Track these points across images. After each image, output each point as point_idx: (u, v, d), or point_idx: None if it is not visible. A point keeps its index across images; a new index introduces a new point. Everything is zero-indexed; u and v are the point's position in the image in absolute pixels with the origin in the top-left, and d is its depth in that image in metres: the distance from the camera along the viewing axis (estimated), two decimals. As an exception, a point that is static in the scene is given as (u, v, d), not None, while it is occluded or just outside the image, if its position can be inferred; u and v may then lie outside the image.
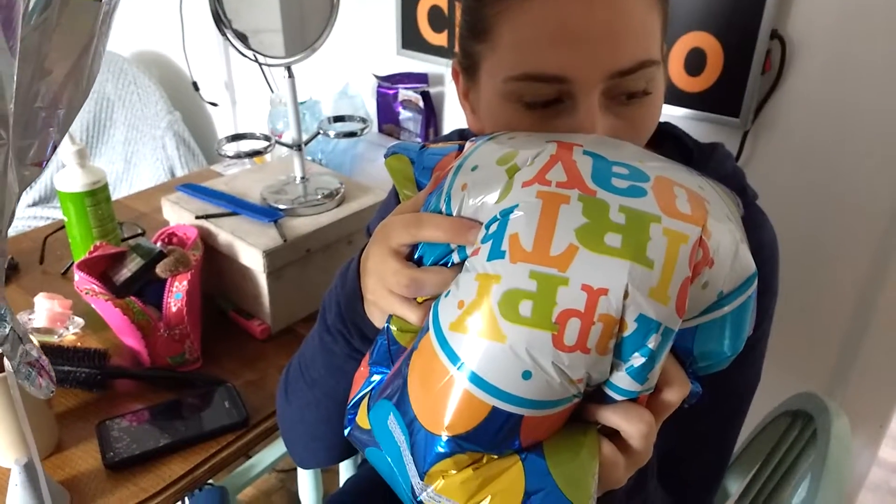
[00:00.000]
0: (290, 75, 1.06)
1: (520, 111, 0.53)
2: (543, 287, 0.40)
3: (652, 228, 0.40)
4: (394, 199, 0.78)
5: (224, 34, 0.97)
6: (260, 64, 1.02)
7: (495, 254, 0.42)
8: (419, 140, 1.49)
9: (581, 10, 0.49)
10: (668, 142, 0.67)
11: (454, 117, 1.48)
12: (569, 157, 0.44)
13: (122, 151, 2.01)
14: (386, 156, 0.57)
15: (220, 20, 0.96)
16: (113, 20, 0.43)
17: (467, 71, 0.59)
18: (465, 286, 0.43)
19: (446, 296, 0.44)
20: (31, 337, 0.57)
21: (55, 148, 0.39)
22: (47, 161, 0.38)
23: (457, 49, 0.61)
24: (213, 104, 1.96)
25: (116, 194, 2.05)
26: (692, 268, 0.41)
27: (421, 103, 1.47)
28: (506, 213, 0.43)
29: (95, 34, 0.40)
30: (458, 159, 0.49)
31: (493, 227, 0.43)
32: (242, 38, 1.00)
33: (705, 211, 0.43)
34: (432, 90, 1.47)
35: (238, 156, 1.03)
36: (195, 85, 1.88)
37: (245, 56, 1.00)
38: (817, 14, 0.96)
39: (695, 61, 1.06)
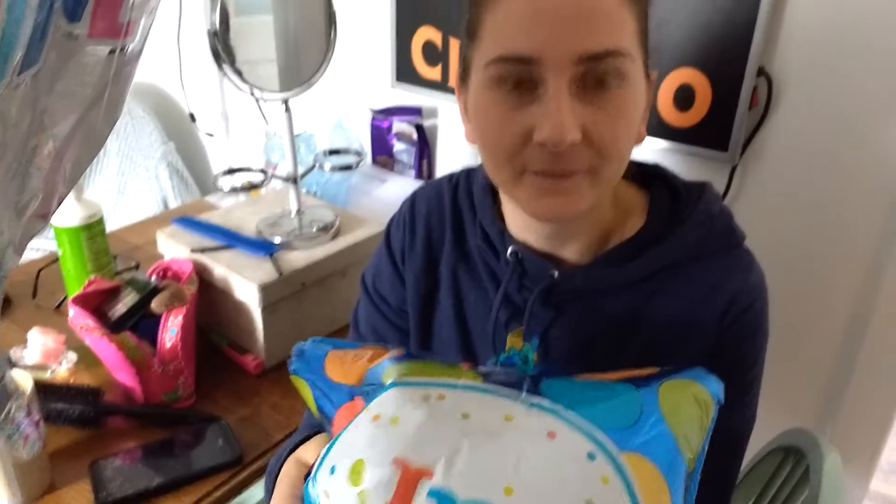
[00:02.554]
0: (287, 109, 1.07)
1: (498, 99, 0.56)
2: None
3: None
4: (385, 251, 0.79)
5: (223, 69, 0.98)
6: (256, 98, 1.04)
7: None
8: (413, 172, 1.51)
9: None
10: (656, 183, 0.68)
11: (448, 149, 1.50)
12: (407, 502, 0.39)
13: (115, 182, 2.01)
14: (290, 371, 0.56)
15: (219, 56, 0.97)
16: (135, 70, 0.43)
17: (463, 79, 0.62)
18: None
19: None
20: (23, 386, 0.56)
21: (61, 200, 0.39)
22: (53, 213, 0.39)
23: (458, 66, 0.64)
24: (210, 135, 1.97)
25: (109, 225, 2.04)
26: None
27: (415, 136, 1.49)
28: None
29: (108, 85, 0.40)
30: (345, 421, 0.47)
31: None
32: (239, 72, 1.01)
33: None
34: (426, 123, 1.49)
35: (234, 190, 1.04)
36: (192, 116, 1.89)
37: (242, 91, 1.01)
38: (801, 52, 0.98)
39: (684, 97, 1.08)
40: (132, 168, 2.00)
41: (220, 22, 0.94)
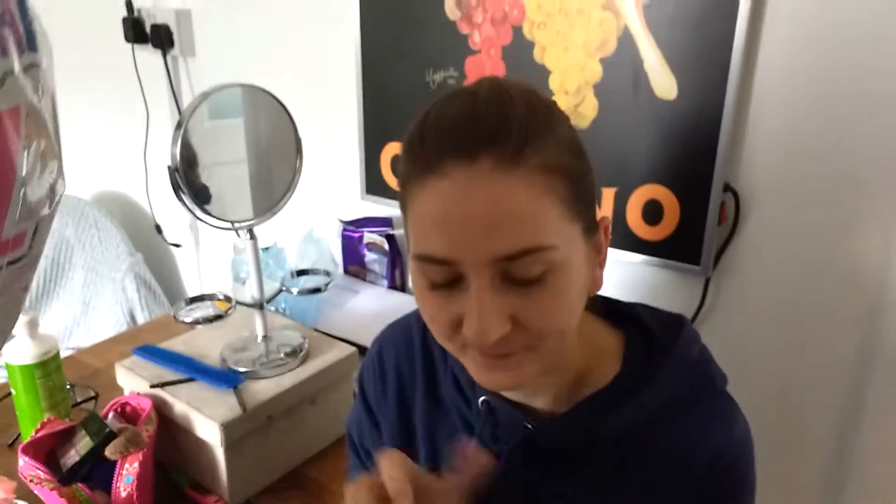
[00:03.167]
0: (252, 237, 1.05)
1: (427, 289, 0.55)
2: None
3: None
4: (361, 402, 0.77)
5: (182, 201, 0.96)
6: (225, 228, 1.01)
7: None
8: (386, 282, 1.48)
9: (462, 200, 0.51)
10: (628, 323, 0.66)
11: (419, 259, 1.48)
12: None
13: (80, 295, 1.96)
14: None
15: (179, 188, 0.95)
16: (31, 275, 0.40)
17: (406, 243, 0.61)
18: None
19: None
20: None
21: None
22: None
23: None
24: (176, 245, 1.94)
25: (73, 340, 1.99)
26: None
27: (386, 246, 1.47)
28: None
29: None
30: None
31: None
32: (199, 203, 0.99)
33: None
34: (396, 233, 1.48)
35: (197, 322, 1.00)
36: (158, 228, 1.87)
37: (203, 221, 0.99)
38: (766, 165, 0.99)
39: (652, 211, 1.08)
40: (98, 280, 1.95)
41: (182, 157, 0.92)
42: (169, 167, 0.92)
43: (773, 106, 0.97)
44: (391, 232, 1.47)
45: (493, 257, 0.51)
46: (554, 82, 1.13)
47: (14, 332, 0.99)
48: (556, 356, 0.58)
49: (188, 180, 0.94)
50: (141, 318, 1.91)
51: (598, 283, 0.60)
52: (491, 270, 0.51)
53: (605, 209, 1.11)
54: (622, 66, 1.06)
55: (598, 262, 0.59)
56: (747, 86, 0.98)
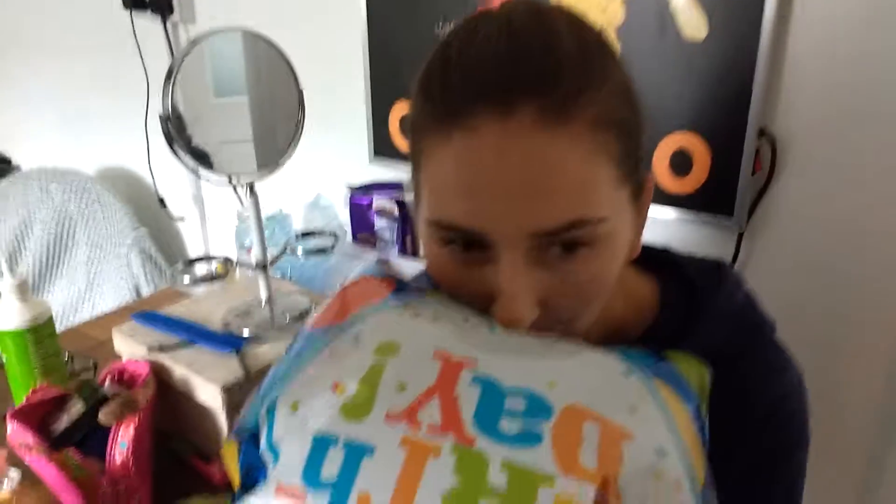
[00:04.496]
0: (253, 193, 0.99)
1: (445, 256, 0.47)
2: None
3: (540, 495, 0.32)
4: None
5: (177, 155, 0.90)
6: (222, 183, 0.96)
7: None
8: (396, 249, 1.42)
9: (495, 161, 0.41)
10: (666, 270, 0.60)
11: (431, 225, 1.42)
12: (450, 391, 0.36)
13: (84, 272, 1.91)
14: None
15: (174, 143, 0.89)
16: None
17: (416, 199, 0.52)
18: None
19: None
20: None
21: None
22: None
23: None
24: (180, 219, 1.89)
25: (78, 315, 1.95)
26: None
27: (396, 212, 1.41)
28: (355, 454, 0.33)
29: None
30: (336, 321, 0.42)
31: (334, 468, 0.33)
32: (202, 155, 0.93)
33: (618, 458, 0.34)
34: (407, 198, 1.41)
35: (195, 282, 0.95)
36: (161, 201, 1.82)
37: (200, 177, 0.93)
38: (806, 108, 0.92)
39: (680, 162, 1.01)
40: (102, 256, 1.91)
41: (175, 109, 0.86)
42: (160, 116, 0.86)
43: (814, 44, 0.89)
44: (401, 197, 1.41)
45: (531, 231, 0.43)
46: (573, 27, 1.06)
47: (3, 296, 0.94)
48: (590, 319, 0.52)
49: (183, 134, 0.88)
50: (147, 294, 1.86)
51: (637, 249, 0.53)
52: (527, 244, 0.43)
53: (629, 161, 1.04)
54: (646, 6, 0.98)
55: (640, 225, 0.52)
56: (784, 22, 0.90)
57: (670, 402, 0.40)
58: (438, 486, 0.32)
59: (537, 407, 0.35)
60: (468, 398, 0.36)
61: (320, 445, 0.35)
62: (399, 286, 0.48)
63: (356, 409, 0.36)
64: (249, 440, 0.40)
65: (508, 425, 0.34)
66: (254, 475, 0.39)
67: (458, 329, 0.42)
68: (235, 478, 0.42)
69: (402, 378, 0.37)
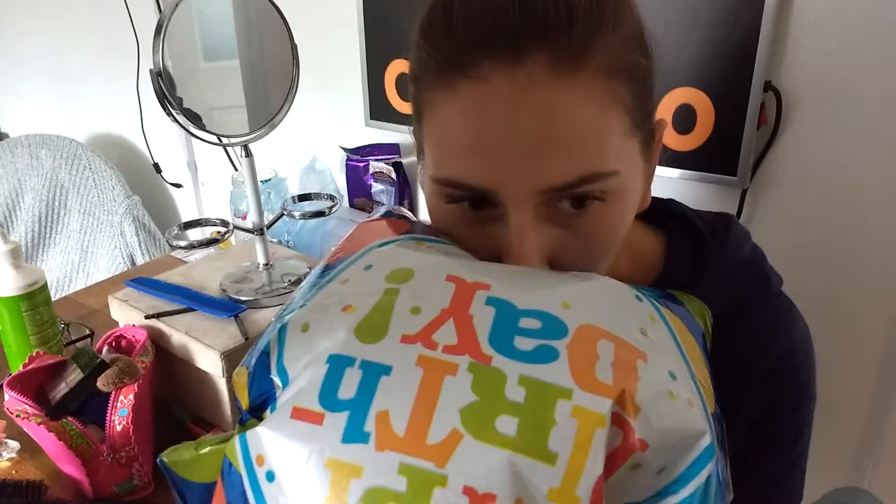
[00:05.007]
0: (248, 154, 0.96)
1: (452, 213, 0.45)
2: (416, 486, 0.30)
3: (558, 408, 0.32)
4: None
5: (170, 114, 0.88)
6: (214, 143, 0.93)
7: (355, 435, 0.32)
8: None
9: (504, 114, 0.39)
10: (672, 223, 0.58)
11: (429, 188, 1.40)
12: (464, 312, 0.36)
13: (77, 241, 1.89)
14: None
15: (166, 99, 0.87)
16: None
17: (418, 154, 0.50)
18: (312, 477, 0.32)
19: (271, 480, 0.34)
20: None
21: None
22: None
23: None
24: (177, 185, 1.86)
25: (72, 287, 1.93)
26: (608, 459, 0.32)
27: (394, 175, 1.39)
28: (373, 373, 0.33)
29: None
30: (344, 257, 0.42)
31: (352, 388, 0.33)
32: (195, 117, 0.91)
33: (634, 375, 0.34)
34: (405, 160, 1.39)
35: (191, 246, 0.93)
36: (157, 167, 1.79)
37: (195, 136, 0.91)
38: (812, 61, 0.90)
39: (684, 119, 0.99)
40: (95, 225, 1.88)
41: (164, 66, 0.84)
42: (151, 71, 0.84)
43: (822, -8, 0.87)
44: (399, 159, 1.39)
45: (542, 188, 0.41)
46: (573, -20, 1.03)
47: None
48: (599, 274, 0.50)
49: (174, 97, 0.85)
50: (141, 263, 1.85)
51: (647, 201, 0.51)
52: (537, 201, 0.42)
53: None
54: (650, -45, 0.95)
55: (650, 174, 0.50)
56: (791, -29, 0.87)
57: (679, 331, 0.40)
58: (457, 403, 0.32)
59: (552, 326, 0.35)
60: (483, 319, 0.35)
61: (337, 366, 0.34)
62: (412, 229, 0.48)
63: (371, 331, 0.35)
64: (259, 365, 0.39)
65: (524, 343, 0.34)
66: (264, 398, 0.38)
67: (471, 260, 0.43)
68: (245, 402, 0.42)
69: (415, 302, 0.37)
